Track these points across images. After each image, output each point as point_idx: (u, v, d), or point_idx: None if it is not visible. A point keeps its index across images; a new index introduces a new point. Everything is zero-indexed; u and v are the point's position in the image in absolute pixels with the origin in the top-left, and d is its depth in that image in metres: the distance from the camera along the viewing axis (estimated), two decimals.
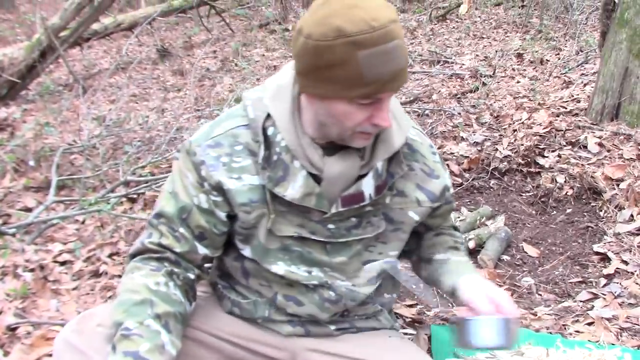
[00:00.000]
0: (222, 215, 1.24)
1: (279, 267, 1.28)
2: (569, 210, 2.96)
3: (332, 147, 1.19)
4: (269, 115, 1.19)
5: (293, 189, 1.18)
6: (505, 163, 3.39)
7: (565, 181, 3.12)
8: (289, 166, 1.18)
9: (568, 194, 3.06)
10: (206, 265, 1.34)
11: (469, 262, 1.41)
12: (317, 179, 1.19)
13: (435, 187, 1.31)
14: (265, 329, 1.37)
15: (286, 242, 1.26)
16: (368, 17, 1.00)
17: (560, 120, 3.68)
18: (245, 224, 1.25)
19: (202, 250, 1.26)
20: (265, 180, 1.19)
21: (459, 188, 3.27)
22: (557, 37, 6.59)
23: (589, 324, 1.96)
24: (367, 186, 1.21)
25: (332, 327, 1.37)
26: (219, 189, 1.21)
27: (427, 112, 4.33)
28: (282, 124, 1.17)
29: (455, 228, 1.53)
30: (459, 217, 2.86)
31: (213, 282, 1.44)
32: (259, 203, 1.22)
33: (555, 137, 3.49)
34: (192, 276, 1.28)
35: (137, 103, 5.47)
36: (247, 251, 1.29)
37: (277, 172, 1.18)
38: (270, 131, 1.18)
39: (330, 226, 1.24)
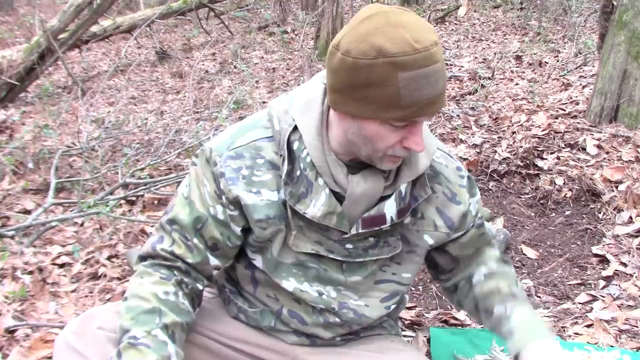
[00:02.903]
0: (237, 229, 1.22)
1: (290, 284, 1.25)
2: (567, 212, 2.96)
3: (357, 166, 1.16)
4: (295, 128, 1.15)
5: (315, 207, 1.15)
6: (504, 165, 3.39)
7: (564, 183, 3.12)
8: (312, 183, 1.14)
9: (567, 196, 3.06)
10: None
11: (533, 315, 1.27)
12: (339, 197, 1.16)
13: (454, 213, 1.26)
14: (270, 335, 1.36)
15: (302, 257, 1.24)
16: (411, 38, 0.97)
17: (559, 123, 3.68)
18: (259, 239, 1.23)
19: (214, 261, 1.25)
20: (286, 196, 1.16)
21: None
22: (555, 40, 6.60)
23: (588, 326, 1.96)
24: (389, 209, 1.17)
25: (338, 338, 1.36)
26: (236, 203, 1.19)
27: None
28: (309, 139, 1.13)
29: (506, 262, 1.40)
30: None
31: (220, 284, 1.43)
32: (276, 220, 1.19)
33: (554, 139, 3.49)
34: (200, 287, 1.27)
35: (136, 105, 5.48)
36: (258, 262, 1.28)
37: (300, 189, 1.15)
38: (295, 145, 1.15)
39: (349, 246, 1.22)
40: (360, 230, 1.18)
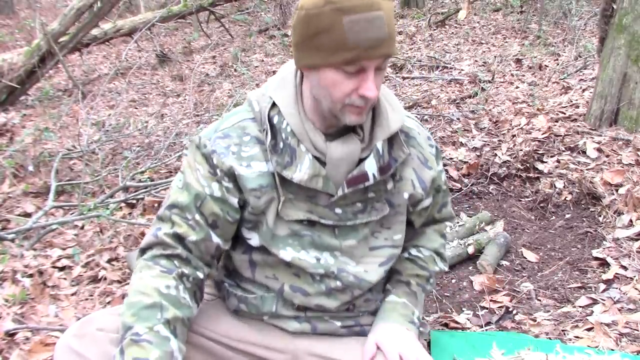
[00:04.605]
0: (234, 201, 1.27)
1: (287, 253, 1.29)
2: (568, 216, 2.96)
3: (333, 134, 1.25)
4: (273, 105, 1.25)
5: (301, 172, 1.22)
6: (504, 168, 3.39)
7: (564, 186, 3.13)
8: (295, 150, 1.22)
9: (567, 199, 3.06)
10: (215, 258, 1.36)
11: (403, 302, 1.39)
12: (322, 162, 1.24)
13: (427, 176, 1.37)
14: (270, 328, 1.37)
15: (295, 227, 1.29)
16: None
17: (559, 126, 3.69)
18: (254, 210, 1.28)
19: (216, 239, 1.28)
20: (273, 166, 1.23)
21: (457, 193, 3.27)
22: (555, 43, 6.61)
23: (589, 329, 1.96)
24: (370, 166, 1.25)
25: (338, 324, 1.37)
26: (230, 174, 1.26)
27: (426, 117, 4.34)
28: (287, 109, 1.23)
29: (439, 254, 1.50)
30: (458, 222, 2.86)
31: (219, 281, 1.44)
32: (268, 188, 1.26)
33: (554, 143, 3.49)
34: (201, 276, 1.29)
35: (136, 108, 5.48)
36: (254, 240, 1.31)
37: (285, 157, 1.23)
38: (275, 120, 1.24)
39: (338, 210, 1.29)
40: (347, 191, 1.25)
